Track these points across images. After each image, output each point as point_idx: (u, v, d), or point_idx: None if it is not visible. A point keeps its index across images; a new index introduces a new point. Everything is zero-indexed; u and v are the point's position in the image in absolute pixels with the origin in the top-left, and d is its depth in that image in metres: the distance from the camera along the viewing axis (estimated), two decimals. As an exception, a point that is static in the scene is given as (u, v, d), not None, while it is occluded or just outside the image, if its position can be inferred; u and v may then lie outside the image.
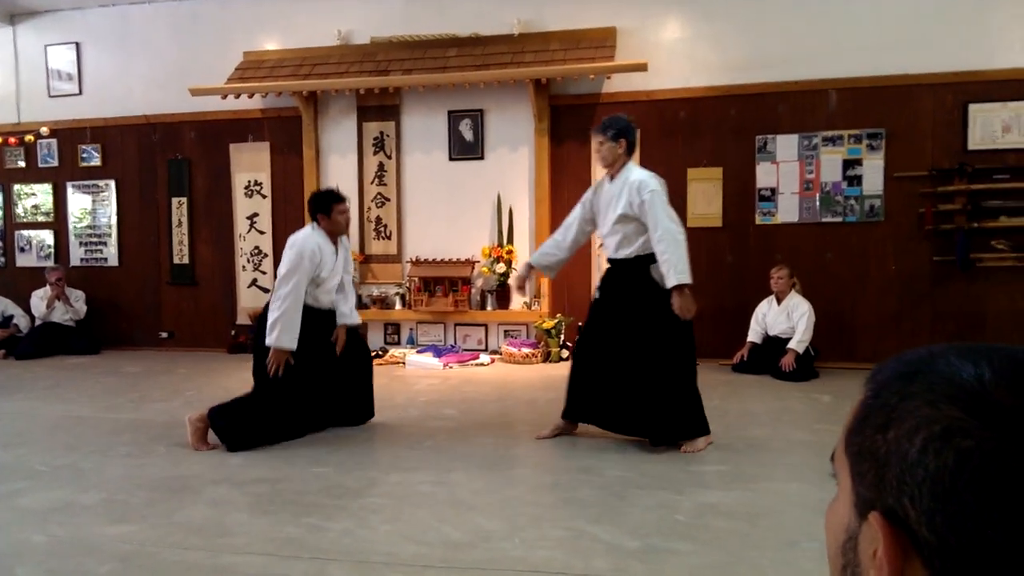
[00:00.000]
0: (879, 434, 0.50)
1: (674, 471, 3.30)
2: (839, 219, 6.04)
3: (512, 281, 3.97)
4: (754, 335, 5.82)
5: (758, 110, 6.16)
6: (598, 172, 6.43)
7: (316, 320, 4.01)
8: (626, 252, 3.67)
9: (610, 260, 3.80)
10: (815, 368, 5.56)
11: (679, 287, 3.48)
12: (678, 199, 6.28)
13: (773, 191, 6.17)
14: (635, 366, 3.59)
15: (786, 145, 6.12)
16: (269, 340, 3.80)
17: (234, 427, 3.76)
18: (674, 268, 3.46)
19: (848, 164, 6.01)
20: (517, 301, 6.55)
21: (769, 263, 5.94)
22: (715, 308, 6.28)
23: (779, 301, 5.73)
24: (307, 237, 3.97)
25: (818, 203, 6.07)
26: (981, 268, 5.76)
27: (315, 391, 4.01)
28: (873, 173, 5.96)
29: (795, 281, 5.73)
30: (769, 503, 2.92)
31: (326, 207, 4.03)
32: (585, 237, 4.00)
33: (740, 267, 6.24)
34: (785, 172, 6.14)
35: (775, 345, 5.62)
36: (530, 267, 4.09)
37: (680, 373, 3.59)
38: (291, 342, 3.82)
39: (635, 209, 3.57)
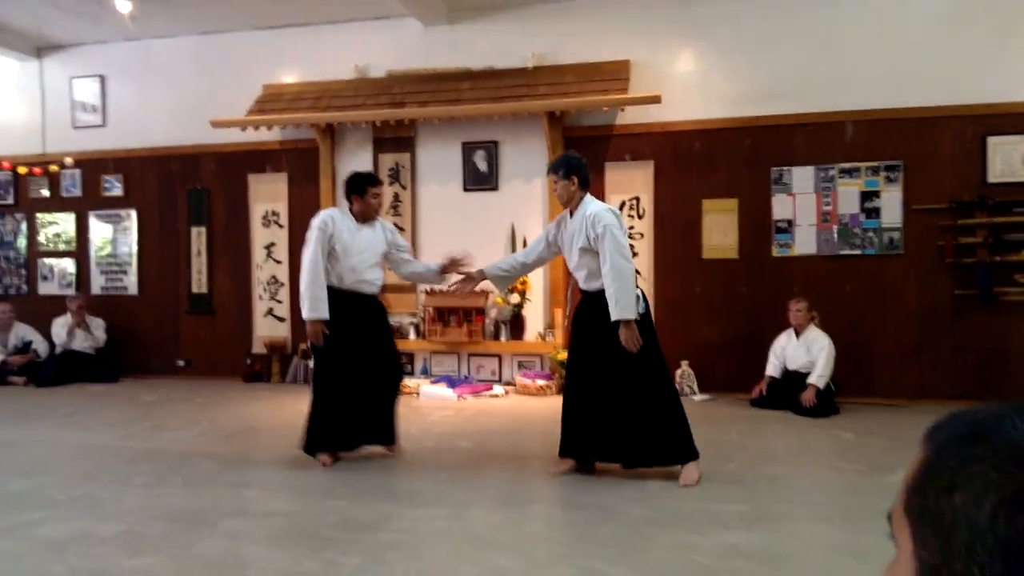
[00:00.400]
0: (943, 497, 0.49)
1: (693, 510, 3.25)
2: (857, 251, 6.01)
3: (461, 278, 4.07)
4: (772, 369, 5.76)
5: (773, 141, 6.18)
6: (612, 203, 6.46)
7: (341, 301, 4.01)
8: (595, 285, 3.72)
9: (582, 291, 3.85)
10: (836, 404, 5.49)
11: (625, 322, 3.51)
12: (693, 230, 6.31)
13: (790, 223, 6.15)
14: (609, 393, 3.62)
15: (802, 177, 6.12)
16: (304, 314, 3.97)
17: (313, 438, 4.01)
18: (618, 303, 3.52)
19: (866, 196, 5.99)
20: (531, 332, 6.54)
21: (786, 295, 5.90)
22: (731, 340, 6.25)
23: (798, 334, 5.67)
24: (324, 211, 4.12)
25: (836, 235, 6.05)
26: (1004, 302, 5.69)
27: (357, 373, 4.03)
28: (892, 205, 5.93)
29: (814, 314, 5.68)
30: (793, 545, 2.86)
31: (360, 188, 4.08)
32: (542, 264, 4.35)
33: (756, 299, 6.20)
34: (802, 204, 6.12)
35: (794, 379, 5.56)
36: (482, 275, 4.08)
37: (655, 398, 3.61)
38: (321, 312, 3.92)
39: (592, 243, 3.65)
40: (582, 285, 3.82)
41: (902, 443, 4.48)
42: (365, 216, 4.12)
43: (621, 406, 3.59)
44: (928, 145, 5.87)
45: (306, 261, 3.98)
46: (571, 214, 3.81)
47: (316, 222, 4.03)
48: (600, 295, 3.65)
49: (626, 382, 3.59)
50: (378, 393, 4.13)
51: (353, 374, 4.02)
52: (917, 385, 5.85)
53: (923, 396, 5.81)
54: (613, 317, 3.52)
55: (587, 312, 3.79)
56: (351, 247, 4.05)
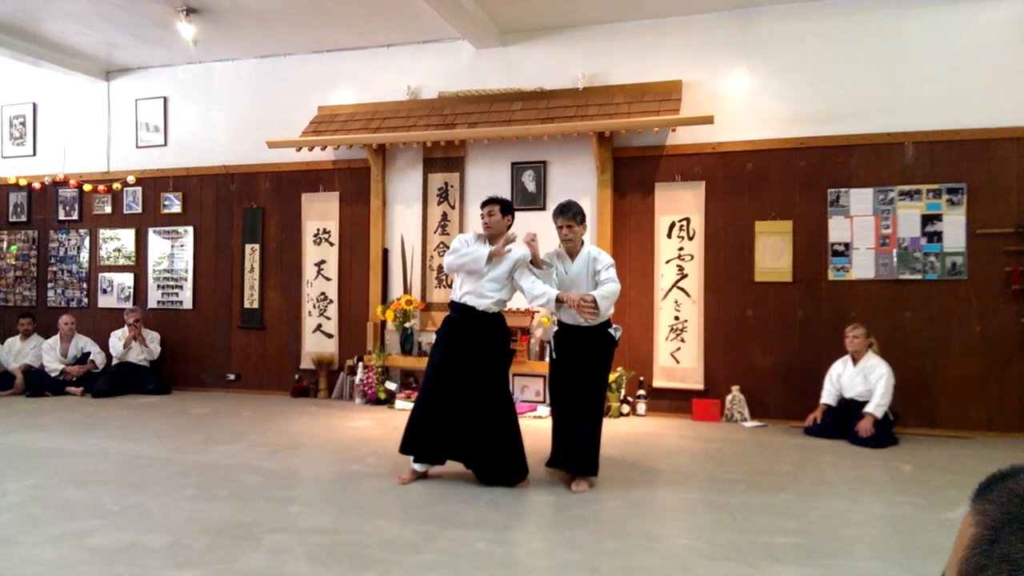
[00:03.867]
0: None
1: (745, 542, 3.13)
2: (918, 276, 5.80)
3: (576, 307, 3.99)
4: (828, 397, 5.58)
5: (829, 163, 6.03)
6: (662, 223, 6.39)
7: (457, 313, 4.15)
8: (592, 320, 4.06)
9: (572, 326, 4.14)
10: (894, 434, 5.28)
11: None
12: (745, 252, 6.18)
13: (847, 246, 5.98)
14: (583, 405, 4.05)
15: (860, 199, 5.95)
16: (466, 262, 4.08)
17: (405, 438, 4.17)
18: (604, 312, 4.02)
19: (927, 219, 5.79)
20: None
21: (843, 321, 5.72)
22: (785, 367, 6.08)
23: (855, 362, 5.49)
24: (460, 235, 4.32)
25: (895, 259, 5.85)
26: (1075, 331, 5.43)
27: (456, 389, 4.03)
28: (954, 229, 5.72)
29: (872, 341, 5.49)
30: (848, 581, 2.73)
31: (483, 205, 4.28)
32: None
33: (812, 324, 6.03)
34: (860, 226, 5.95)
35: (850, 408, 5.37)
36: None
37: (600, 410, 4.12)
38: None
39: (594, 278, 4.12)
40: (574, 321, 4.10)
41: (964, 477, 4.27)
42: (488, 235, 4.24)
43: (592, 416, 4.04)
44: (993, 168, 5.66)
45: (449, 261, 4.13)
46: (571, 257, 4.20)
47: (453, 243, 4.23)
48: (592, 329, 4.06)
49: (594, 394, 4.06)
50: (472, 415, 4.03)
51: (452, 387, 4.03)
52: (982, 417, 5.59)
53: (988, 428, 5.55)
54: (601, 316, 4.01)
55: (577, 340, 4.12)
56: (466, 267, 4.14)
